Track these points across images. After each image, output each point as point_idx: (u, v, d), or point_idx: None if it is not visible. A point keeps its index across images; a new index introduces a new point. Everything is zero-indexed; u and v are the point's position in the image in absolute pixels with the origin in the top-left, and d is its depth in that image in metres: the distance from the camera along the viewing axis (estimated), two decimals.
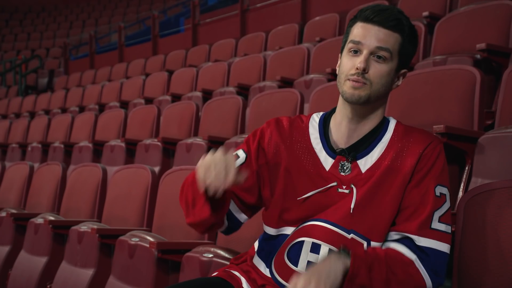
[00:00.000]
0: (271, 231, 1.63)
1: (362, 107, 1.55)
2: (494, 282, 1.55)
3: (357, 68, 1.51)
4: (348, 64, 1.54)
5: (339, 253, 1.45)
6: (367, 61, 1.51)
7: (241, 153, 1.64)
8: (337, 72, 1.60)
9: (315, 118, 1.67)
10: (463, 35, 3.50)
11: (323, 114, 1.68)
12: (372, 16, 1.53)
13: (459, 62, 3.11)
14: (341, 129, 1.60)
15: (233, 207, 1.63)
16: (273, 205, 1.61)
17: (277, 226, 1.61)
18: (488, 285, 1.56)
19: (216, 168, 1.40)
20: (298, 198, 1.56)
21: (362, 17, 1.55)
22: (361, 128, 1.59)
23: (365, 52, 1.52)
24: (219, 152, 1.43)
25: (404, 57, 1.56)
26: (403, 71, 1.59)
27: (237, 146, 3.44)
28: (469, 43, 3.33)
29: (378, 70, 1.52)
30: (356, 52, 1.53)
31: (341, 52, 1.60)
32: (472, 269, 1.60)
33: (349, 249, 1.46)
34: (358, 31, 1.54)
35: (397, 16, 1.53)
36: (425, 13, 4.16)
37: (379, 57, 1.52)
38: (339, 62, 1.60)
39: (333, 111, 1.66)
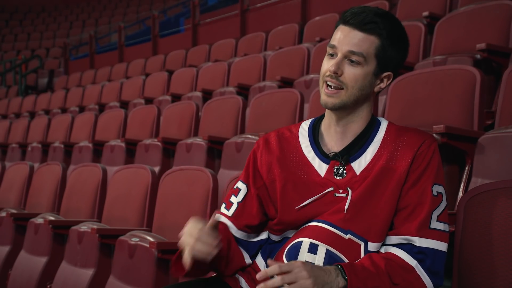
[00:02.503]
0: (275, 237, 1.65)
1: (342, 111, 1.57)
2: (495, 282, 1.55)
3: (329, 71, 1.53)
4: (325, 66, 1.56)
5: (337, 270, 1.43)
6: (339, 64, 1.52)
7: (240, 185, 1.68)
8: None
9: (304, 127, 1.67)
10: (463, 35, 3.50)
11: (311, 121, 1.69)
12: (349, 19, 1.53)
13: (459, 62, 3.11)
14: (331, 132, 1.61)
15: (246, 236, 1.66)
16: (276, 218, 1.62)
17: (280, 233, 1.63)
18: (488, 285, 1.56)
19: (199, 240, 1.43)
20: (296, 207, 1.57)
21: (342, 19, 1.56)
22: (349, 131, 1.59)
23: (339, 55, 1.53)
24: (197, 225, 1.45)
25: (384, 60, 1.54)
26: (386, 73, 1.57)
27: (236, 146, 3.47)
28: (469, 43, 3.33)
29: (352, 73, 1.52)
30: (332, 55, 1.55)
31: None
32: (472, 269, 1.60)
33: (346, 267, 1.44)
34: (337, 34, 1.55)
35: (373, 19, 1.52)
36: (425, 13, 4.16)
37: (352, 61, 1.52)
38: None
39: (322, 116, 1.67)
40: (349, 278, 1.41)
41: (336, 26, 1.58)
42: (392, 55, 1.55)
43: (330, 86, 1.54)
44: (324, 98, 1.55)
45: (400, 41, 1.56)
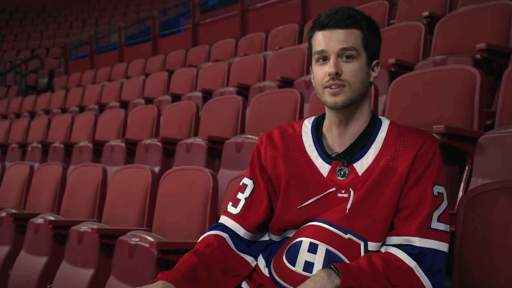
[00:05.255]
0: (275, 238, 1.65)
1: (348, 109, 1.57)
2: (494, 282, 1.55)
3: (329, 74, 1.53)
4: (320, 74, 1.56)
5: (330, 270, 1.44)
6: (336, 64, 1.53)
7: (247, 181, 1.68)
8: (313, 84, 1.61)
9: (307, 125, 1.68)
10: (463, 35, 3.50)
11: (314, 119, 1.69)
12: (327, 21, 1.55)
13: (459, 62, 3.11)
14: (333, 134, 1.62)
15: (252, 236, 1.65)
16: (277, 215, 1.62)
17: (281, 233, 1.63)
18: (488, 285, 1.56)
19: None
20: (298, 207, 1.57)
21: (318, 25, 1.58)
22: (352, 130, 1.60)
23: (332, 57, 1.54)
24: None
25: (371, 50, 1.58)
26: (375, 62, 1.61)
27: (236, 146, 3.47)
28: (469, 43, 3.33)
29: (350, 69, 1.54)
30: (324, 59, 1.56)
31: (311, 64, 1.62)
32: (472, 269, 1.60)
33: (340, 266, 1.44)
34: (319, 39, 1.56)
35: (349, 13, 1.55)
36: (425, 13, 4.16)
37: (347, 57, 1.54)
38: (312, 75, 1.62)
39: (324, 115, 1.67)
40: (342, 276, 1.41)
41: (311, 36, 1.60)
42: (375, 43, 1.60)
43: (333, 87, 1.54)
44: (331, 99, 1.55)
45: (376, 29, 1.61)
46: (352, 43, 1.54)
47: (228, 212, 1.67)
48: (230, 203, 1.68)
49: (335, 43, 1.53)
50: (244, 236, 1.64)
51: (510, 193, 1.58)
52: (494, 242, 1.56)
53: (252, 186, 1.66)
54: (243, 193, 1.67)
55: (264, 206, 1.64)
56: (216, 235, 1.63)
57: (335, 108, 1.56)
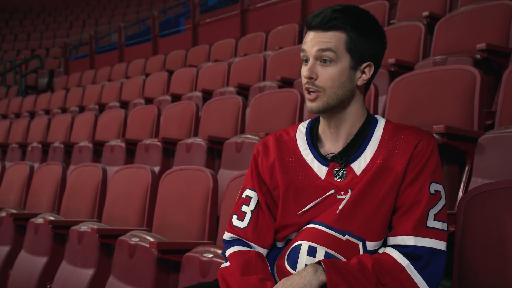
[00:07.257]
0: (279, 244, 1.64)
1: (330, 113, 1.56)
2: (494, 282, 1.55)
3: (305, 77, 1.53)
4: (302, 74, 1.56)
5: (318, 265, 1.44)
6: (312, 68, 1.52)
7: (250, 193, 1.64)
8: None
9: (301, 129, 1.66)
10: (463, 35, 3.50)
11: (309, 123, 1.67)
12: (311, 21, 1.54)
13: (459, 62, 3.11)
14: (327, 135, 1.60)
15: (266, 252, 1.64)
16: (279, 224, 1.60)
17: (283, 239, 1.62)
18: (488, 285, 1.56)
19: None
20: (298, 213, 1.56)
21: (307, 25, 1.57)
22: (343, 131, 1.58)
23: (310, 59, 1.53)
24: None
25: (358, 52, 1.52)
26: (365, 64, 1.55)
27: (236, 146, 3.47)
28: (469, 43, 3.33)
29: (326, 74, 1.52)
30: (306, 61, 1.55)
31: None
32: (472, 269, 1.60)
33: (325, 263, 1.43)
34: (305, 39, 1.56)
35: (332, 16, 1.51)
36: (425, 13, 4.16)
37: (324, 60, 1.51)
38: None
39: (319, 117, 1.65)
40: (328, 272, 1.41)
41: (305, 34, 1.59)
42: (365, 46, 1.53)
43: (310, 92, 1.54)
44: (308, 104, 1.55)
45: (369, 31, 1.54)
46: (331, 44, 1.50)
47: (234, 226, 1.63)
48: (235, 216, 1.65)
49: (313, 45, 1.52)
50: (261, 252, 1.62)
51: (510, 193, 1.58)
52: (494, 242, 1.56)
53: (257, 198, 1.63)
54: (248, 205, 1.63)
55: (266, 214, 1.62)
56: (256, 252, 1.60)
57: (311, 112, 1.56)
